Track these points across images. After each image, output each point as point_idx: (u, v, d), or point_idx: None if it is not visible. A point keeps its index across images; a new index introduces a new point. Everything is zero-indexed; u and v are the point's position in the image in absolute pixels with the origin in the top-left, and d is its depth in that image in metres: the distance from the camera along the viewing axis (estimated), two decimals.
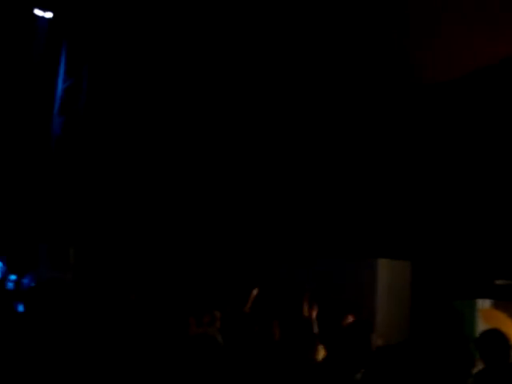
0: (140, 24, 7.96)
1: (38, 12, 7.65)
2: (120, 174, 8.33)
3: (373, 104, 8.82)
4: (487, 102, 8.05)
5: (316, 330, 5.45)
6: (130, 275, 7.44)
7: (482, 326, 7.16)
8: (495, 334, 4.77)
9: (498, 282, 7.63)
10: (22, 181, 7.92)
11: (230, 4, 7.58)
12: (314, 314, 5.80)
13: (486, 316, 7.03)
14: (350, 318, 5.87)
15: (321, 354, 5.18)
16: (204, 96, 8.51)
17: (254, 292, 6.61)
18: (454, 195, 8.53)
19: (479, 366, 4.82)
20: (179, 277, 7.99)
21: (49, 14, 7.83)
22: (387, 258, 7.95)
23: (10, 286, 6.75)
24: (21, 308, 5.52)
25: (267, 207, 8.89)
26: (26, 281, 6.78)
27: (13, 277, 6.83)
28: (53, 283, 7.38)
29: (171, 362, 3.96)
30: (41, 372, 3.78)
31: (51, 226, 7.66)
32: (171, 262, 8.21)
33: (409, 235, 8.46)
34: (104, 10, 7.91)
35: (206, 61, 8.30)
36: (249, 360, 4.17)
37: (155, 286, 7.24)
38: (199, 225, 8.59)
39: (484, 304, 7.14)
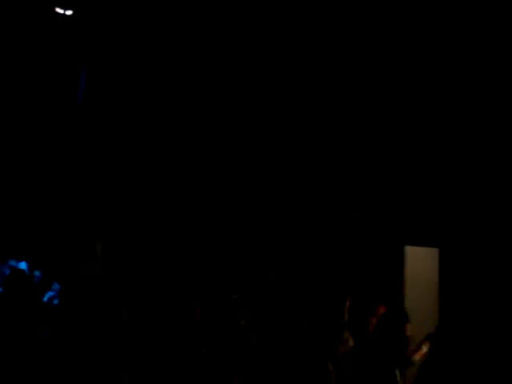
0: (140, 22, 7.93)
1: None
2: (143, 170, 8.40)
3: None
4: None
5: (346, 319, 5.42)
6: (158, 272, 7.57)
7: None
8: None
9: None
10: (49, 177, 8.03)
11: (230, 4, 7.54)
12: (348, 303, 5.76)
13: None
14: (382, 309, 5.81)
15: (350, 343, 5.17)
16: (203, 95, 8.47)
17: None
18: (480, 183, 8.43)
19: None
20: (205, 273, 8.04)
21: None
22: (414, 246, 7.88)
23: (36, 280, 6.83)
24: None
25: (294, 195, 8.86)
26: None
27: (37, 273, 6.92)
28: (83, 275, 7.56)
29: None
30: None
31: (78, 221, 7.79)
32: (197, 258, 8.26)
33: (436, 222, 8.37)
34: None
35: (206, 60, 8.25)
36: (278, 347, 4.16)
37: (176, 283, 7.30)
38: (221, 220, 8.62)
39: None
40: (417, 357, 4.97)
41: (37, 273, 6.42)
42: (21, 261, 6.47)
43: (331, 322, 4.71)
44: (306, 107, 8.71)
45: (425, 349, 5.00)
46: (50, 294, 6.04)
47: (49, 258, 7.43)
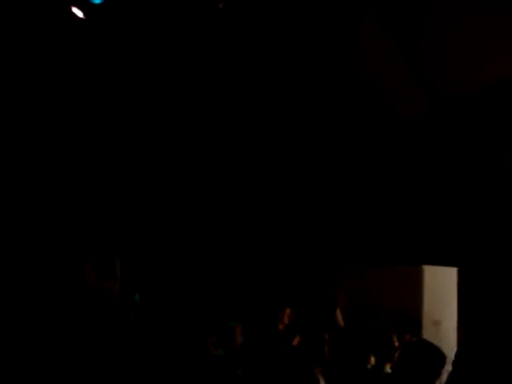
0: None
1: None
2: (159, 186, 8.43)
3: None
4: None
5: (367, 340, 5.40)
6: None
7: None
8: None
9: None
10: (69, 192, 8.05)
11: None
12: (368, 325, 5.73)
13: None
14: (408, 337, 5.79)
15: (371, 362, 5.15)
16: (204, 96, 8.44)
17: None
18: (498, 203, 8.38)
19: None
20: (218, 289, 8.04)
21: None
22: (433, 265, 7.83)
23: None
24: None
25: (306, 213, 8.85)
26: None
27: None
28: (101, 293, 7.59)
29: None
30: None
31: (97, 237, 7.81)
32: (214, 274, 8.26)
33: (455, 241, 8.32)
34: None
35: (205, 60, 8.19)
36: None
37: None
38: (227, 236, 8.62)
39: None
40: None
41: None
42: None
43: (355, 344, 4.69)
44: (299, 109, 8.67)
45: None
46: None
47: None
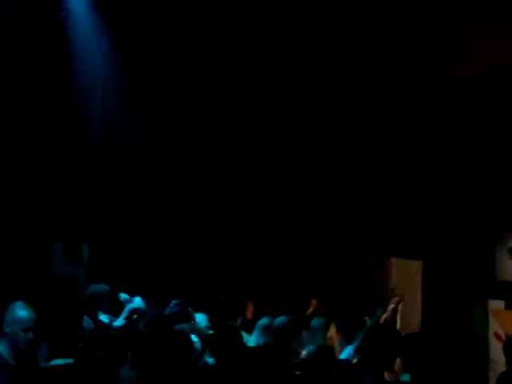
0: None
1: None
2: (130, 170, 8.33)
3: (381, 102, 8.85)
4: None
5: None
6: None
7: (493, 326, 7.25)
8: None
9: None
10: (36, 179, 7.87)
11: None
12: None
13: (498, 316, 7.10)
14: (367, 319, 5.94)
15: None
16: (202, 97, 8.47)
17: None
18: (463, 195, 8.62)
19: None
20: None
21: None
22: (400, 257, 8.03)
23: None
24: None
25: (278, 207, 8.90)
26: None
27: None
28: (66, 279, 7.42)
29: None
30: None
31: (64, 222, 7.66)
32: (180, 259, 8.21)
33: (421, 234, 8.54)
34: None
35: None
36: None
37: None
38: (202, 224, 8.59)
39: (495, 305, 7.18)
40: None
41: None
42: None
43: None
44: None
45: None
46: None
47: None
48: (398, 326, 5.71)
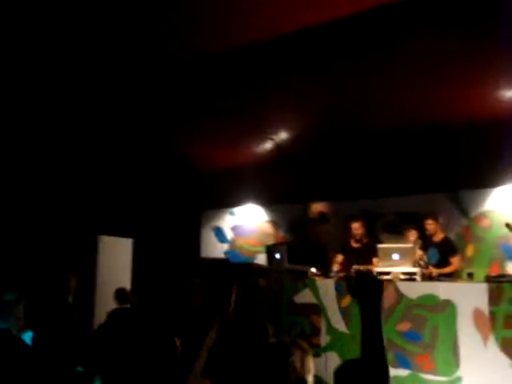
0: None
1: None
2: None
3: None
4: None
5: None
6: None
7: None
8: None
9: (208, 260, 8.46)
10: None
11: None
12: None
13: None
14: None
15: None
16: None
17: None
18: (169, 177, 9.14)
19: None
20: None
21: None
22: (108, 235, 8.19)
23: None
24: None
25: None
26: None
27: None
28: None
29: None
30: None
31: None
32: None
33: (130, 213, 8.78)
34: None
35: None
36: None
37: None
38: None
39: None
40: None
41: None
42: None
43: None
44: None
45: None
46: None
47: None
48: None
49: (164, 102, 7.76)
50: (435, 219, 6.91)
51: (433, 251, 6.75)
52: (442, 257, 6.72)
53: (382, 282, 2.53)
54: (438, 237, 6.90)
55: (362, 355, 2.35)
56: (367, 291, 2.39)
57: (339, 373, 2.43)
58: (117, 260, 8.09)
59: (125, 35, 6.30)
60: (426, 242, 6.87)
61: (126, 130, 8.32)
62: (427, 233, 6.92)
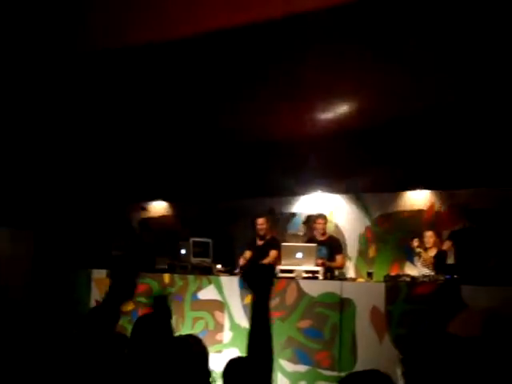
0: None
1: None
2: None
3: None
4: None
5: None
6: None
7: (95, 293, 7.66)
8: None
9: (114, 253, 8.28)
10: None
11: None
12: None
13: (99, 284, 7.50)
14: None
15: None
16: None
17: None
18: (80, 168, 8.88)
19: None
20: None
21: None
22: (7, 227, 7.86)
23: None
24: None
25: None
26: None
27: None
28: None
29: None
30: None
31: None
32: None
33: (31, 205, 8.46)
34: None
35: None
36: None
37: None
38: None
39: (99, 274, 7.55)
40: None
41: None
42: None
43: None
44: None
45: None
46: None
47: None
48: None
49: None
50: (324, 219, 7.44)
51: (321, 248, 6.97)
52: (330, 254, 7.00)
53: (273, 267, 2.56)
54: (325, 236, 7.37)
55: (248, 345, 2.35)
56: (259, 276, 2.39)
57: (225, 370, 2.44)
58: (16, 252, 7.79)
59: None
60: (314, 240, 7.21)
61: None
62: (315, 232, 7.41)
